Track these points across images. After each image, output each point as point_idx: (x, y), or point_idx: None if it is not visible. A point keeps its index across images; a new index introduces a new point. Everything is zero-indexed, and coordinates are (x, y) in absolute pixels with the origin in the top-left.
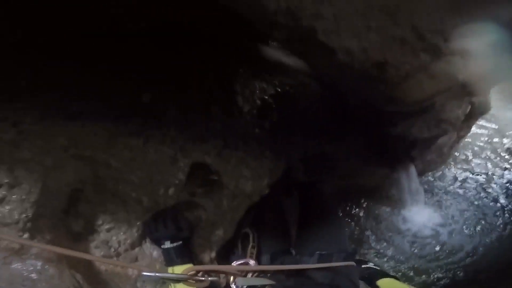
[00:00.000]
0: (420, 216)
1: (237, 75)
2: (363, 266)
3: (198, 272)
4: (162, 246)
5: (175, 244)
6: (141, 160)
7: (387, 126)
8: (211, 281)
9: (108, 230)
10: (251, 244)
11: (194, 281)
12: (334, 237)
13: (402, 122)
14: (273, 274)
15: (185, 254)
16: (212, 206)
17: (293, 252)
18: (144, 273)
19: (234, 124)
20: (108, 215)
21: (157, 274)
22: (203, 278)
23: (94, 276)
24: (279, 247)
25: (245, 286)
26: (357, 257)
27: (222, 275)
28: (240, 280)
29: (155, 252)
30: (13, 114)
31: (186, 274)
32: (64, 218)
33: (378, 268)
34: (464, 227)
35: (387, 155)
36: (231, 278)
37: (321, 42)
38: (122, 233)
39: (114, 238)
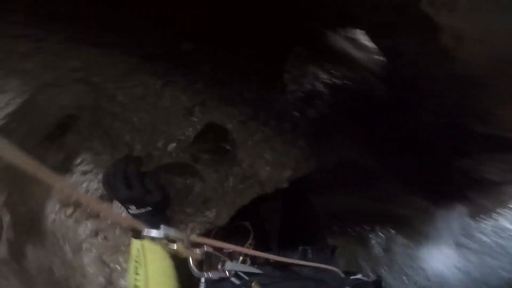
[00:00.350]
0: (443, 260)
1: (290, 52)
2: (351, 277)
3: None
4: (129, 211)
5: (142, 211)
6: (151, 101)
7: (457, 155)
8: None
9: (84, 173)
10: (250, 241)
11: (187, 249)
12: (315, 236)
13: (478, 156)
14: (260, 264)
15: (156, 226)
16: (214, 180)
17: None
18: (148, 233)
19: (272, 99)
20: (91, 155)
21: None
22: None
23: (34, 229)
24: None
25: (233, 271)
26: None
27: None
28: (229, 265)
29: (125, 213)
30: (41, 33)
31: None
32: (46, 147)
33: (366, 280)
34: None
35: (438, 189)
36: (220, 262)
37: (423, 14)
38: (96, 181)
39: (85, 184)
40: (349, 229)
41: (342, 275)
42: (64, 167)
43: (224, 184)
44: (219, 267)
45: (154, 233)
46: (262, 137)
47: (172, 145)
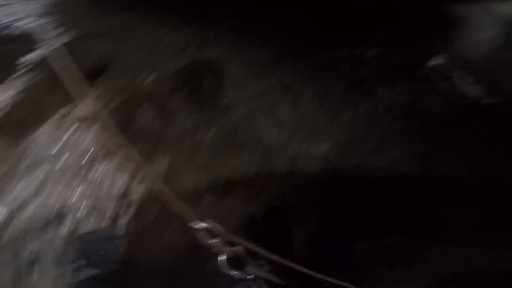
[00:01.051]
0: None
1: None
2: None
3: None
4: None
5: None
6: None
7: None
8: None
9: None
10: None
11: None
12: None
13: None
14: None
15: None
16: (187, 123)
17: None
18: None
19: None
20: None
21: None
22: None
23: None
24: None
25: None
26: None
27: None
28: (254, 270)
29: None
30: None
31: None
32: None
33: None
34: None
35: None
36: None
37: None
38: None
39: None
40: None
41: None
42: None
43: (197, 131)
44: (246, 269)
45: (201, 224)
46: (276, 82)
47: (152, 76)
